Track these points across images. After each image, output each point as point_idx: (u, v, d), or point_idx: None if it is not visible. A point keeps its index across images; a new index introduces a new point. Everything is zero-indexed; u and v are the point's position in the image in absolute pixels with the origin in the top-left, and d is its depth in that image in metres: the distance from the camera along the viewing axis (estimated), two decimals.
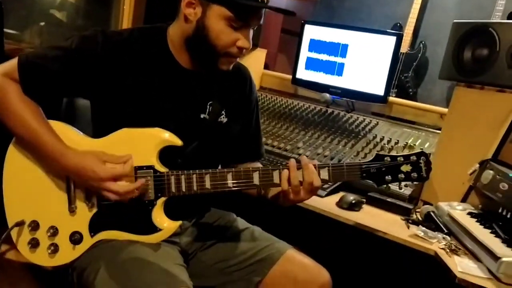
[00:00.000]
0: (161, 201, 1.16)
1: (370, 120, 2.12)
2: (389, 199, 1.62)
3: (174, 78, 1.23)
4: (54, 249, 1.15)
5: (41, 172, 1.16)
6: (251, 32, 1.20)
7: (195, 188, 1.16)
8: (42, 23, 4.40)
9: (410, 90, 3.34)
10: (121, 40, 1.18)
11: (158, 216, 1.16)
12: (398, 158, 1.19)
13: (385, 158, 1.19)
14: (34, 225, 1.16)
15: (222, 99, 1.30)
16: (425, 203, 1.66)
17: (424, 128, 2.05)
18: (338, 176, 1.18)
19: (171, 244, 1.25)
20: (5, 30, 3.96)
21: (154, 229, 1.15)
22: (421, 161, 1.19)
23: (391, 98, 2.17)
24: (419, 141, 1.94)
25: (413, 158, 1.19)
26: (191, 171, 1.16)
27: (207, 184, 1.16)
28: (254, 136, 1.44)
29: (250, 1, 1.13)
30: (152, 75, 1.20)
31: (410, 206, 1.59)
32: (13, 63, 1.15)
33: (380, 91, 2.05)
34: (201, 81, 1.26)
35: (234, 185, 1.16)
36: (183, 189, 1.16)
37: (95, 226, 1.15)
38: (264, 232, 1.41)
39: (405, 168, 1.20)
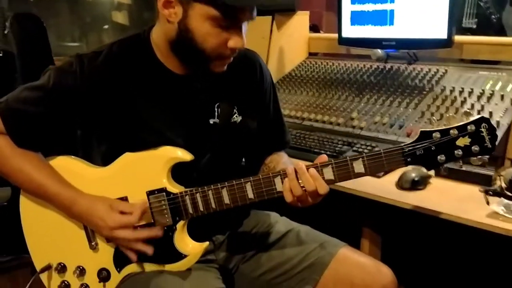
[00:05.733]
0: (181, 224, 1.06)
1: (437, 69, 1.81)
2: (464, 167, 1.35)
3: (170, 89, 1.09)
4: None
5: (56, 215, 1.12)
6: (245, 27, 1.02)
7: (213, 205, 1.04)
8: (106, 26, 4.52)
9: (493, 16, 2.85)
10: (100, 62, 1.06)
11: (181, 241, 1.06)
12: (451, 131, 0.95)
13: (434, 134, 0.96)
14: (61, 268, 1.13)
15: (230, 97, 1.14)
16: None
17: (506, 67, 1.70)
18: (376, 167, 0.97)
19: (207, 263, 1.15)
20: (66, 44, 4.11)
21: (179, 256, 1.06)
22: (482, 129, 0.94)
23: (460, 38, 1.82)
24: (499, 84, 1.60)
25: (471, 127, 0.94)
26: (205, 187, 1.04)
27: (226, 199, 1.03)
28: (275, 125, 1.28)
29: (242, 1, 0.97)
30: (145, 91, 1.08)
31: (491, 172, 1.30)
32: None
33: (442, 34, 1.71)
34: (201, 84, 1.12)
35: (256, 195, 1.02)
36: (201, 208, 1.04)
37: (120, 261, 1.09)
38: (313, 231, 1.25)
39: (462, 141, 0.95)
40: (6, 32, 2.66)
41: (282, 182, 1.00)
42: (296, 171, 0.98)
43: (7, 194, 2.03)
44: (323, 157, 1.00)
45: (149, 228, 1.05)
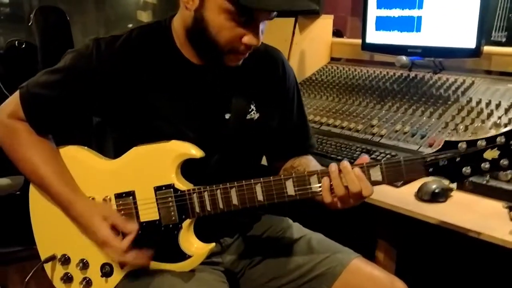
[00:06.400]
0: (187, 223, 1.02)
1: (464, 80, 1.75)
2: (488, 181, 1.28)
3: (186, 78, 1.06)
4: (87, 283, 1.09)
5: None
6: (263, 25, 0.98)
7: (221, 205, 0.99)
8: (130, 25, 4.58)
9: None
10: (118, 46, 1.04)
11: (187, 240, 1.02)
12: (479, 143, 0.89)
13: (459, 145, 0.90)
14: (65, 259, 1.10)
15: (248, 92, 1.10)
16: None
17: None
18: (395, 175, 0.92)
19: (212, 266, 1.11)
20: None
21: (183, 255, 1.02)
22: None
23: (489, 48, 1.75)
24: None
25: (501, 140, 0.88)
26: (214, 186, 1.00)
27: (234, 199, 0.98)
28: (298, 127, 1.23)
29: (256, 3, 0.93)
30: (160, 79, 1.05)
31: None
32: (15, 99, 1.08)
33: (471, 43, 1.65)
34: (218, 77, 1.08)
35: (265, 198, 0.97)
36: (208, 208, 1.00)
37: None
38: (326, 239, 1.20)
39: (490, 154, 0.89)
40: (30, 24, 2.68)
41: (294, 186, 0.95)
42: (342, 169, 0.92)
43: (20, 182, 2.03)
44: (364, 159, 0.95)
45: (137, 252, 1.00)
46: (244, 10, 0.92)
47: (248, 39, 0.96)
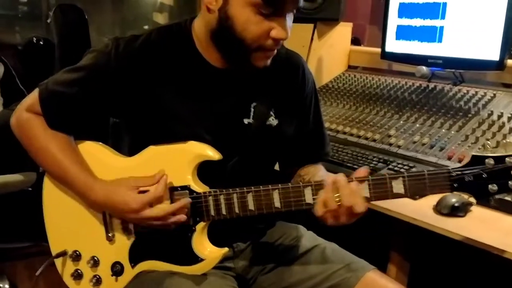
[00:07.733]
0: (201, 226, 1.00)
1: (485, 93, 1.71)
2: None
3: (206, 82, 1.05)
4: (97, 281, 1.08)
5: (77, 201, 1.08)
6: (289, 17, 0.96)
7: (237, 210, 0.98)
8: (146, 27, 4.61)
9: None
10: (137, 47, 1.04)
11: (200, 243, 1.00)
12: (507, 159, 0.86)
13: (486, 161, 0.87)
14: (76, 256, 1.09)
15: (268, 98, 1.09)
16: None
17: None
18: (418, 189, 0.89)
19: (224, 270, 1.09)
20: (106, 39, 4.24)
21: (195, 259, 1.00)
22: None
23: (511, 62, 1.72)
24: None
25: None
26: (230, 189, 0.98)
27: (251, 204, 0.97)
28: (314, 134, 1.20)
29: None
30: (179, 81, 1.04)
31: None
32: (35, 95, 1.08)
33: (494, 55, 1.62)
34: (239, 81, 1.06)
35: (283, 205, 0.95)
36: (224, 211, 0.98)
37: (135, 256, 1.04)
38: (340, 249, 1.17)
39: None
40: (49, 21, 2.70)
41: (313, 194, 0.93)
42: (336, 183, 0.90)
43: (32, 178, 2.03)
44: (362, 172, 0.92)
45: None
46: (269, 0, 0.90)
47: (276, 32, 0.93)
